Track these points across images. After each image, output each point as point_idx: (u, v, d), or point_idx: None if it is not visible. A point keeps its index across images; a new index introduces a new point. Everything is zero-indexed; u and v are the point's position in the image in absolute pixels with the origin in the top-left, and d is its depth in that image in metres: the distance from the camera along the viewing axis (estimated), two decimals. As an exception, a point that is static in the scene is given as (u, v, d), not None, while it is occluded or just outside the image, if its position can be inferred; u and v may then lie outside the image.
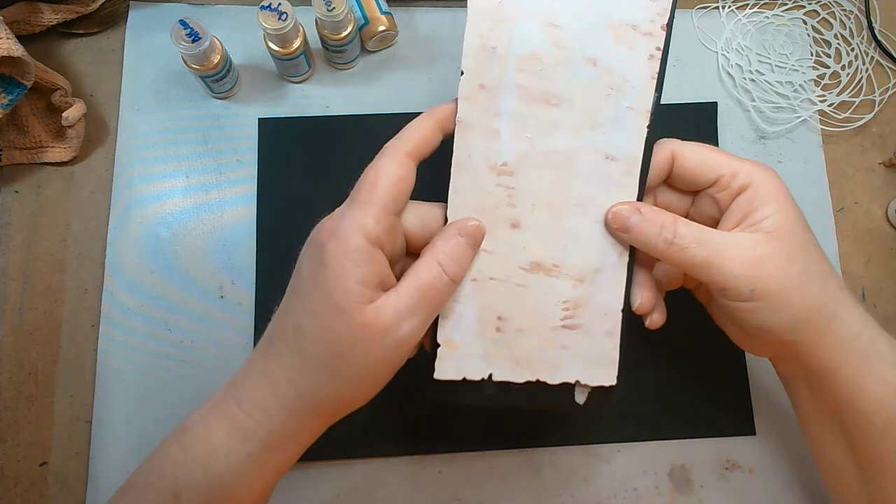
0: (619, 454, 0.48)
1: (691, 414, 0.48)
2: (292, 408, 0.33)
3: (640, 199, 0.37)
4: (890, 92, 0.55)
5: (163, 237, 0.50)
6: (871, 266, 0.52)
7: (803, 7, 0.56)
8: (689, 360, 0.49)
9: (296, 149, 0.51)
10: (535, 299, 0.37)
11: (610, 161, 0.36)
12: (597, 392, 0.37)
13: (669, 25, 0.36)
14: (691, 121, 0.53)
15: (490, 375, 0.37)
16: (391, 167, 0.33)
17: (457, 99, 0.36)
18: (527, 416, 0.48)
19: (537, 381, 0.37)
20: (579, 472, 0.48)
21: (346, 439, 0.47)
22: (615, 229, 0.36)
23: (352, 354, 0.32)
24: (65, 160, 0.50)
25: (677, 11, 0.55)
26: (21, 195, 0.50)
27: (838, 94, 0.54)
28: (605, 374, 0.37)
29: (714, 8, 0.56)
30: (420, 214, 0.36)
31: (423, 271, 0.33)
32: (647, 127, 0.36)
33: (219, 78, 0.49)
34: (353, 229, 0.32)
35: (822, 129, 0.54)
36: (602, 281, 0.37)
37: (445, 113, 0.35)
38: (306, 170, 0.51)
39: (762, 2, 0.56)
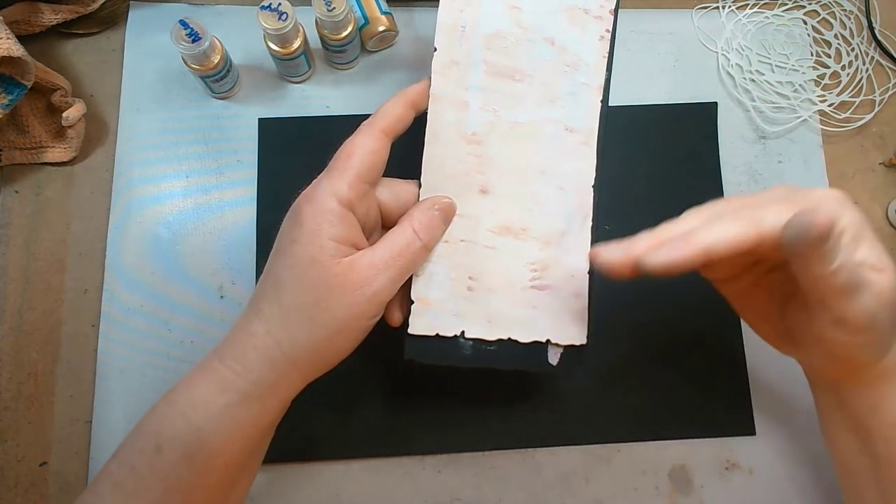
0: (619, 454, 0.48)
1: (691, 414, 0.48)
2: (270, 358, 0.34)
3: (597, 168, 0.39)
4: (890, 92, 0.55)
5: (163, 237, 0.50)
6: (871, 266, 0.52)
7: (803, 7, 0.56)
8: (689, 360, 0.49)
9: (296, 149, 0.51)
10: (505, 261, 0.39)
11: (569, 132, 0.39)
12: (568, 353, 0.39)
13: (616, 10, 0.40)
14: (691, 121, 0.53)
15: (463, 332, 0.38)
16: (365, 140, 0.36)
17: (429, 77, 0.39)
18: (527, 416, 0.48)
19: (509, 339, 0.39)
20: (579, 472, 0.48)
21: (346, 439, 0.47)
22: (810, 236, 0.29)
23: (327, 301, 0.34)
24: (65, 160, 0.50)
25: (677, 12, 0.55)
26: (21, 195, 0.50)
27: (838, 94, 0.54)
28: (576, 333, 0.39)
29: (714, 8, 0.56)
30: (394, 189, 0.39)
31: (399, 235, 0.36)
32: (601, 101, 0.40)
33: (219, 78, 0.49)
34: (327, 194, 0.35)
35: (822, 129, 0.54)
36: (567, 244, 0.39)
37: (416, 92, 0.39)
38: (306, 170, 0.50)
39: (762, 2, 0.56)
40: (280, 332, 0.34)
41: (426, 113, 0.39)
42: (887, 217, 0.53)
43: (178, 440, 0.33)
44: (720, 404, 0.49)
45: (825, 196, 0.33)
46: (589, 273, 0.39)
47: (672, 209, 0.50)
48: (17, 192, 0.50)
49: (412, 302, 0.38)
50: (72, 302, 0.49)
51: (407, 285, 0.38)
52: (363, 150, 0.36)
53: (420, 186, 0.39)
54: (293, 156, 0.51)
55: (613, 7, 0.40)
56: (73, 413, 0.47)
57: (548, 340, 0.39)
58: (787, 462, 0.48)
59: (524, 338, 0.39)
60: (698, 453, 0.48)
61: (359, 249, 0.36)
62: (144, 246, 0.49)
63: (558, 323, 0.39)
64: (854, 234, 0.32)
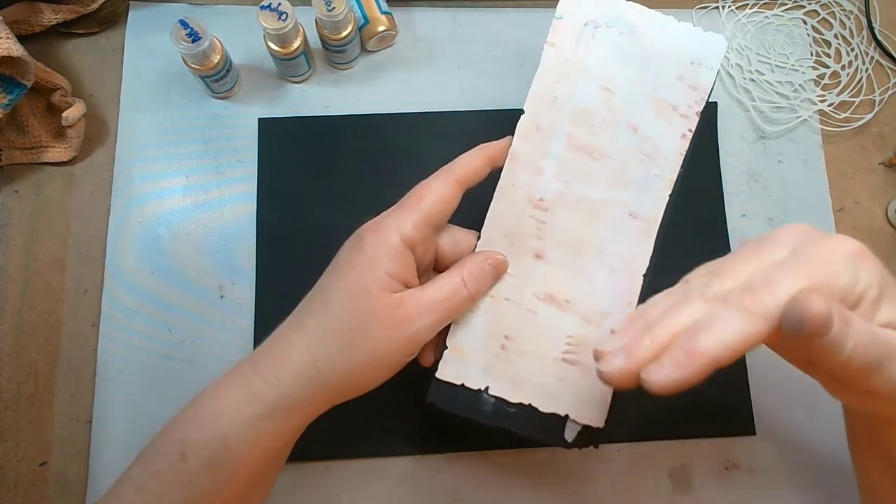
0: (619, 454, 0.48)
1: (691, 414, 0.48)
2: (304, 374, 0.35)
3: (652, 258, 0.40)
4: (890, 92, 0.55)
5: (163, 237, 0.50)
6: (871, 266, 0.52)
7: (803, 7, 0.56)
8: (689, 360, 0.49)
9: (296, 149, 0.51)
10: (543, 328, 0.39)
11: (633, 218, 0.40)
12: (585, 432, 0.39)
13: (703, 113, 0.41)
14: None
15: (487, 388, 0.39)
16: (439, 186, 0.37)
17: (510, 136, 0.40)
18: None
19: (529, 404, 0.39)
20: (579, 472, 0.48)
21: (346, 439, 0.47)
22: (804, 331, 0.26)
23: (371, 331, 0.35)
24: (65, 160, 0.50)
25: (677, 12, 0.55)
26: (21, 195, 0.50)
27: (838, 94, 0.54)
28: (595, 414, 0.39)
29: (714, 8, 0.56)
30: (454, 236, 0.40)
31: (448, 281, 0.37)
32: (670, 195, 0.40)
33: (219, 78, 0.49)
34: (392, 228, 0.36)
35: (822, 129, 0.54)
36: (607, 325, 0.39)
37: (497, 149, 0.40)
38: (306, 170, 0.51)
39: (762, 2, 0.56)
40: (319, 349, 0.35)
41: (501, 170, 0.40)
42: (887, 217, 0.53)
43: (202, 448, 0.33)
44: (720, 404, 0.49)
45: (837, 256, 0.29)
46: None
47: (671, 209, 0.51)
48: (17, 192, 0.50)
49: (446, 347, 0.39)
50: (72, 302, 0.49)
51: (444, 330, 0.39)
52: (435, 195, 0.37)
53: (478, 238, 0.40)
54: (293, 155, 0.51)
55: (700, 109, 0.41)
56: (73, 413, 0.47)
57: (566, 416, 0.39)
58: (787, 462, 0.48)
59: (544, 407, 0.39)
60: (698, 453, 0.48)
61: (409, 288, 0.36)
62: (144, 246, 0.49)
63: (581, 401, 0.39)
64: (875, 294, 0.29)
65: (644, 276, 0.40)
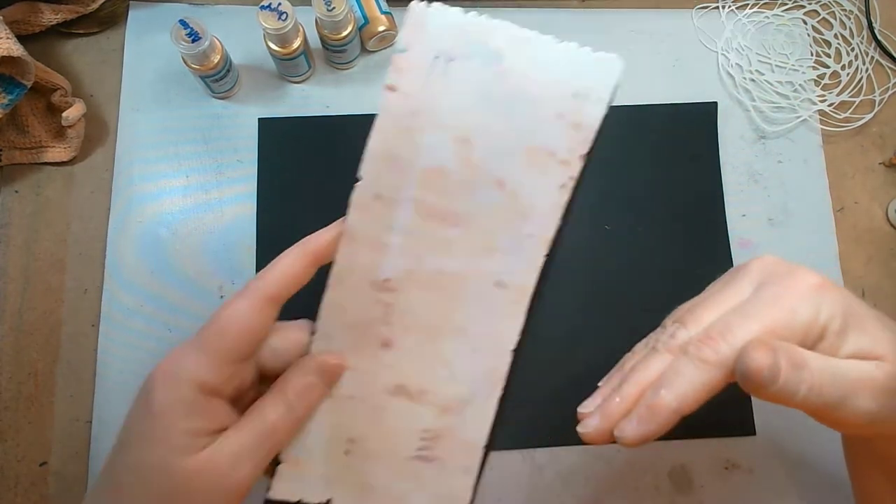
0: (619, 454, 0.48)
1: (691, 414, 0.48)
2: None
3: (523, 332, 0.34)
4: (890, 92, 0.55)
5: (163, 237, 0.50)
6: (871, 266, 0.52)
7: (803, 7, 0.56)
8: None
9: (296, 149, 0.51)
10: (393, 425, 0.34)
11: (499, 288, 0.34)
12: None
13: (588, 155, 0.34)
14: (691, 121, 0.53)
15: (329, 501, 0.34)
16: (245, 312, 0.31)
17: (342, 218, 0.34)
18: (527, 415, 0.48)
19: None
20: (579, 472, 0.48)
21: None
22: (750, 386, 0.29)
23: None
24: (65, 160, 0.50)
25: (677, 12, 0.55)
26: (21, 195, 0.50)
27: (838, 94, 0.54)
28: None
29: (714, 8, 0.56)
30: (275, 344, 0.33)
31: (269, 411, 0.31)
32: (545, 256, 0.34)
33: (219, 78, 0.49)
34: (187, 378, 0.30)
35: (822, 129, 0.54)
36: (469, 413, 0.35)
37: (323, 243, 0.33)
38: (306, 170, 0.51)
39: (762, 2, 0.56)
40: None
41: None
42: (887, 217, 0.53)
43: None
44: (720, 404, 0.48)
45: (797, 292, 0.29)
46: (485, 448, 0.35)
47: (671, 209, 0.51)
48: (17, 192, 0.50)
49: (278, 462, 0.34)
50: (72, 302, 0.49)
51: None
52: (239, 328, 0.30)
53: (313, 332, 0.34)
54: (293, 155, 0.51)
55: (586, 152, 0.33)
56: (73, 413, 0.47)
57: None
58: (787, 462, 0.48)
59: None
60: (698, 453, 0.48)
61: (223, 429, 0.30)
62: (144, 246, 0.49)
63: (436, 500, 0.35)
64: (839, 326, 0.29)
65: (514, 351, 0.34)
